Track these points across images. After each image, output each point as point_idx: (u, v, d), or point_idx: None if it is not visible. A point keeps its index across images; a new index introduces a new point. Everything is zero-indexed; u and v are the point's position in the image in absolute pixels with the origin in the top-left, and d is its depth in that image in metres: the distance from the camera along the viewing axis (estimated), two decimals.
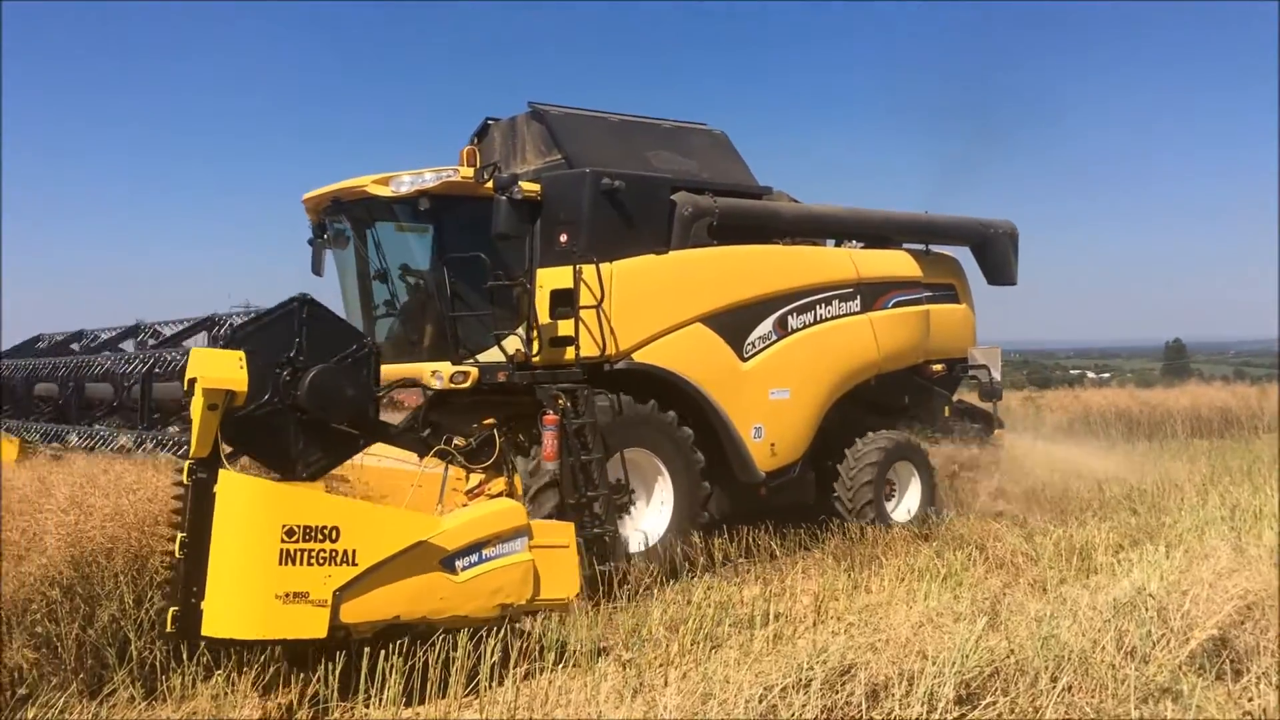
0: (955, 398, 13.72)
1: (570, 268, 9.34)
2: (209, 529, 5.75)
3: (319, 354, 6.31)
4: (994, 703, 5.24)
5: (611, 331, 9.56)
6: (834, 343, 11.35)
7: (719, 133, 11.71)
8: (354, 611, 6.04)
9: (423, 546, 6.34)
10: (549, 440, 8.66)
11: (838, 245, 12.58)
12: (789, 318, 10.96)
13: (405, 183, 8.98)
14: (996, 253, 13.57)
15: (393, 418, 10.32)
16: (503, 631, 6.84)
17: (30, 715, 5.67)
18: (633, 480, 9.68)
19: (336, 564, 5.97)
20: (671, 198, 10.32)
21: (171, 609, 5.73)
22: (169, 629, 5.74)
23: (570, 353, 9.36)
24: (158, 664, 6.26)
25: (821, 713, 5.12)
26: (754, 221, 11.07)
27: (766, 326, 10.76)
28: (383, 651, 5.96)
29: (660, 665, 6.36)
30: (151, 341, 8.27)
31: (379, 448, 9.01)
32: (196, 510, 5.77)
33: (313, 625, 5.87)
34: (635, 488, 9.70)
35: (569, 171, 9.85)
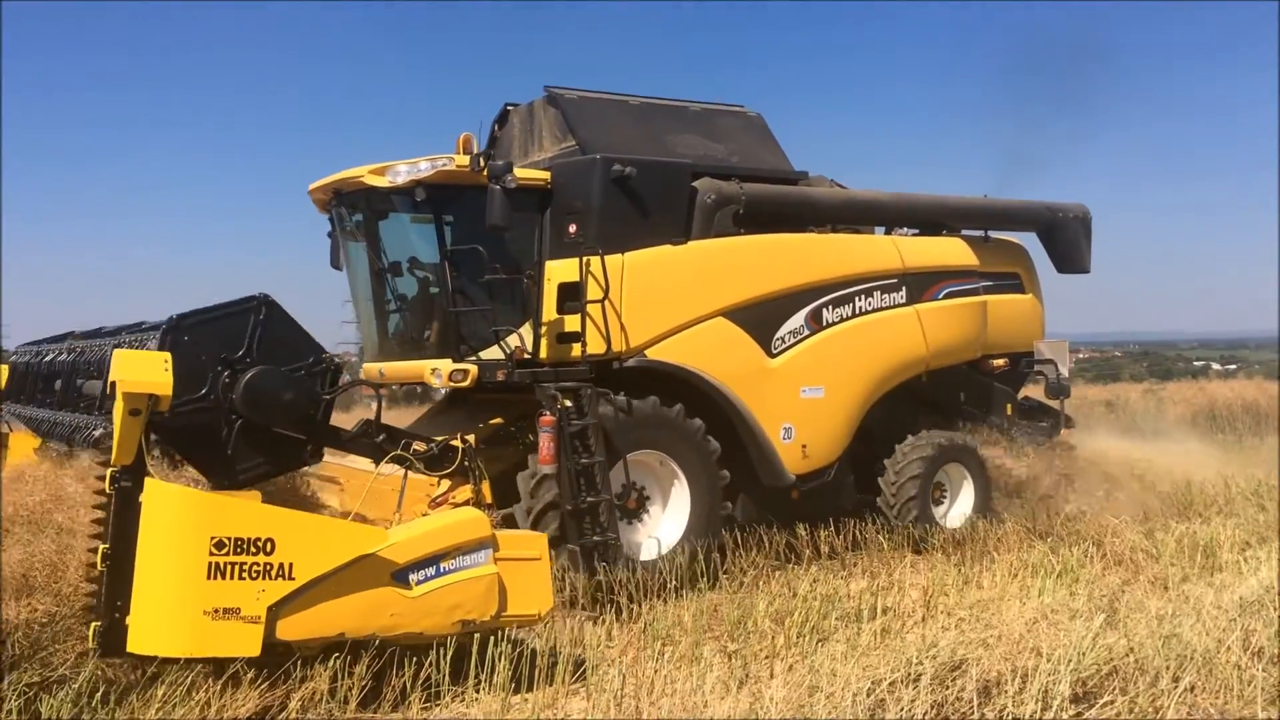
0: (1021, 395, 12.79)
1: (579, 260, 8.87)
2: (134, 540, 5.47)
3: (270, 360, 5.99)
4: (1112, 701, 5.14)
5: (622, 327, 9.05)
6: (875, 337, 10.60)
7: (754, 115, 11.05)
8: (293, 628, 5.72)
9: (370, 560, 5.97)
10: (545, 442, 8.20)
11: (888, 234, 11.82)
12: (824, 311, 10.26)
13: (401, 172, 8.62)
14: (1065, 238, 12.60)
15: (399, 418, 10.02)
16: (608, 620, 7.21)
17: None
18: (647, 485, 9.18)
19: (271, 578, 5.65)
20: (693, 185, 9.74)
21: (94, 624, 5.47)
22: (91, 645, 5.48)
23: (577, 350, 8.88)
24: None
25: (931, 708, 5.03)
26: (786, 209, 10.40)
27: (798, 320, 10.09)
28: (491, 639, 6.11)
29: (766, 657, 6.41)
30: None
31: None
32: (120, 520, 5.48)
33: (245, 643, 5.56)
34: (650, 493, 9.19)
35: (579, 158, 9.37)
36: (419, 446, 7.33)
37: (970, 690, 5.11)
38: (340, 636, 5.87)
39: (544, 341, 9.01)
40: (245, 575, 5.56)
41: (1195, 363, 60.85)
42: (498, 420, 9.31)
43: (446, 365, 8.73)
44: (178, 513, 5.53)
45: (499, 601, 6.40)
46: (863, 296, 10.57)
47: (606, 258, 8.96)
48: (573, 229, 9.10)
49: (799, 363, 10.05)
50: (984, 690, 5.17)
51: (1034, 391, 13.34)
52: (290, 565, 5.67)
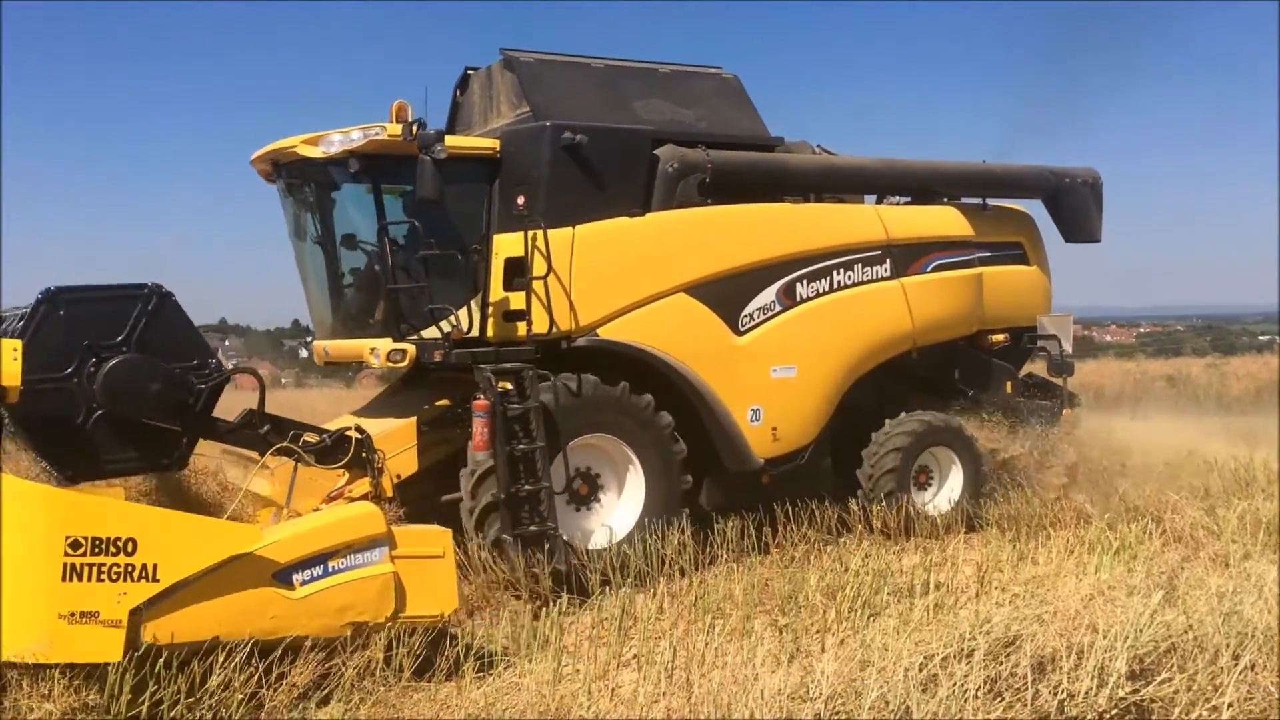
0: (1025, 372, 12.10)
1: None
2: None
3: (150, 353, 5.66)
4: (1169, 679, 5.07)
5: (571, 305, 8.59)
6: (854, 313, 10.00)
7: (729, 77, 10.42)
8: (159, 632, 5.44)
9: (246, 559, 5.65)
10: (479, 428, 7.80)
11: (879, 204, 11.18)
12: (797, 286, 9.69)
13: (334, 142, 8.19)
14: (1073, 205, 11.83)
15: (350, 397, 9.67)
16: (659, 593, 7.44)
17: None
18: (600, 470, 8.75)
19: (133, 580, 5.36)
20: (655, 153, 9.20)
21: None
22: None
23: (523, 329, 8.44)
24: None
25: (985, 684, 4.98)
26: (758, 178, 9.81)
27: (768, 296, 9.54)
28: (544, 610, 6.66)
29: (817, 631, 6.45)
30: None
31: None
32: None
33: (105, 648, 5.27)
34: (605, 478, 8.77)
35: (528, 125, 8.87)
36: (310, 438, 6.96)
37: (1024, 666, 5.04)
38: (215, 640, 5.56)
39: (491, 320, 8.59)
40: (105, 577, 5.30)
41: (1260, 336, 59.05)
42: (445, 402, 8.93)
43: (385, 345, 8.35)
44: (31, 512, 5.24)
45: (396, 602, 6.05)
46: (841, 270, 9.97)
47: (556, 231, 8.48)
48: (521, 201, 8.63)
49: (769, 340, 9.51)
50: (1038, 666, 5.10)
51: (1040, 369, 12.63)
52: (154, 566, 5.39)
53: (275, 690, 5.47)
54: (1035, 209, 12.12)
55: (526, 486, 7.90)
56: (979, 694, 4.91)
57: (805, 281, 9.74)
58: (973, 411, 11.08)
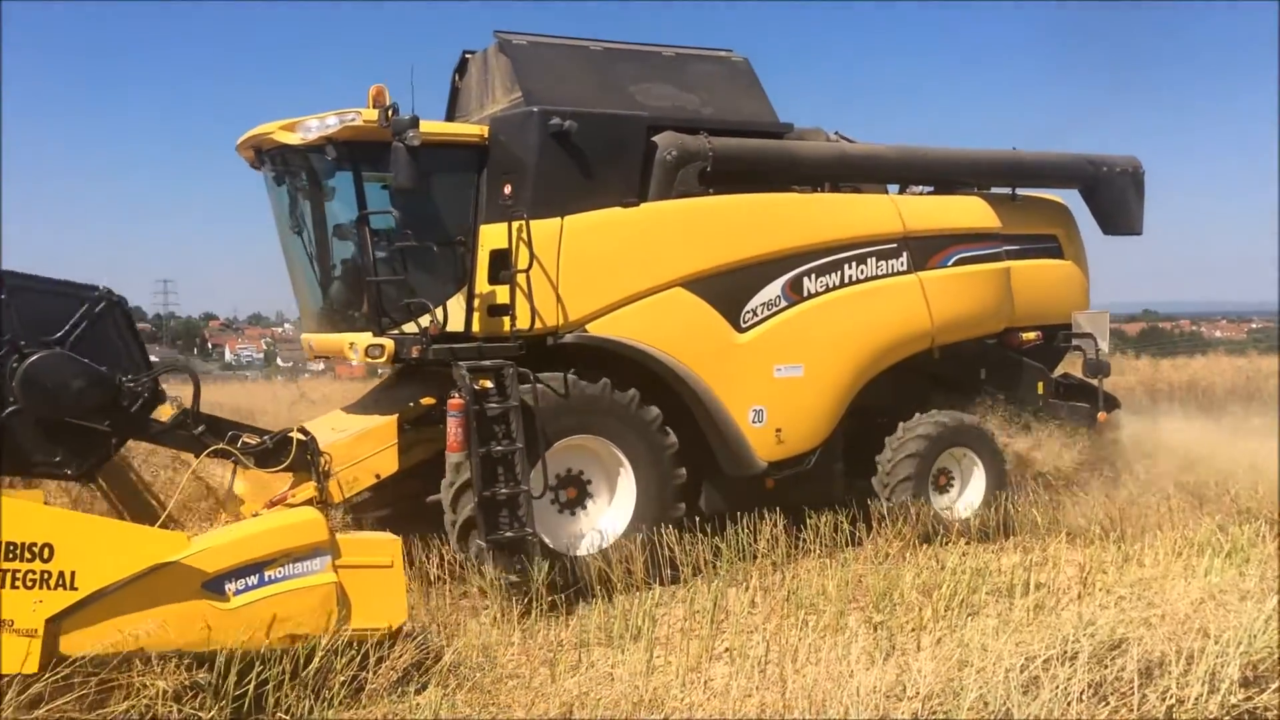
0: (1060, 372, 11.45)
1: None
2: None
3: (34, 331, 5.42)
4: None
5: (558, 299, 8.19)
6: (867, 309, 9.45)
7: (739, 60, 9.90)
8: (79, 642, 5.19)
9: (173, 568, 5.38)
10: (453, 428, 7.45)
11: (902, 194, 10.62)
12: (804, 280, 9.18)
13: (311, 128, 7.88)
14: (1111, 197, 11.17)
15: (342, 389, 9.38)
16: (752, 587, 7.32)
17: None
18: (590, 473, 8.36)
19: (50, 588, 5.12)
20: (652, 139, 8.75)
21: None
22: None
23: (506, 324, 8.07)
24: None
25: (1089, 687, 4.89)
26: (764, 166, 9.31)
27: (773, 291, 9.05)
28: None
29: (912, 629, 6.36)
30: None
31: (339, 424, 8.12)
32: None
33: (20, 659, 5.04)
34: (593, 481, 8.38)
35: (516, 111, 8.48)
36: (250, 439, 6.64)
37: (1131, 670, 4.96)
38: (140, 652, 5.29)
39: (477, 315, 8.23)
40: (19, 584, 5.07)
41: None
42: (430, 400, 8.59)
43: (363, 340, 8.04)
44: None
45: (339, 614, 5.73)
46: (853, 264, 9.44)
47: (542, 222, 8.10)
48: (507, 190, 8.25)
49: (773, 338, 9.03)
50: (1145, 671, 5.02)
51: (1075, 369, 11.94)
52: (72, 574, 5.14)
53: (376, 674, 5.60)
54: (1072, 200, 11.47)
55: (504, 490, 7.53)
56: (1083, 697, 4.80)
57: (813, 276, 9.23)
58: (996, 413, 10.47)
